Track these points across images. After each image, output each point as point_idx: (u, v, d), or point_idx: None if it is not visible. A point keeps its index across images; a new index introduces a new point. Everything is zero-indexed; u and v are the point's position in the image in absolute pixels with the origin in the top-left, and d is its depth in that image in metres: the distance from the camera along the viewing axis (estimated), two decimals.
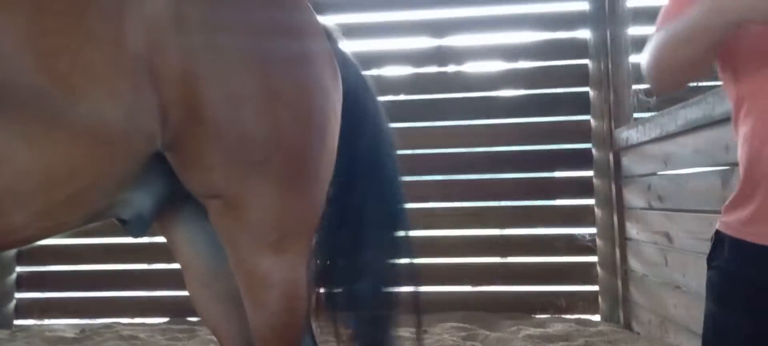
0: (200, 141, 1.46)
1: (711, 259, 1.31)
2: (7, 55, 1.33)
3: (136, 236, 1.67)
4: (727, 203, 1.29)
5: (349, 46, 1.92)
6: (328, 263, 1.82)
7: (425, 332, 3.67)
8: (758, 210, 1.18)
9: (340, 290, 1.81)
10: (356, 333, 1.80)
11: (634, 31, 4.05)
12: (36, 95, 1.34)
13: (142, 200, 1.59)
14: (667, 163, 3.17)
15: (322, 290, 1.81)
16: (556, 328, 3.77)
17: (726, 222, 1.27)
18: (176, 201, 1.68)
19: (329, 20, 1.90)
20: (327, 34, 1.76)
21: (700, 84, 2.95)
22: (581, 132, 4.28)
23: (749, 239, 1.19)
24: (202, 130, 1.45)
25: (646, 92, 3.95)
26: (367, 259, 1.79)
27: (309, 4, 1.72)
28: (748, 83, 1.21)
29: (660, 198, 3.25)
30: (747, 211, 1.20)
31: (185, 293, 1.81)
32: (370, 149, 1.84)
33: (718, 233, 1.29)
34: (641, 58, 1.32)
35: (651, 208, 3.40)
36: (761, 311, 1.17)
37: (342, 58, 1.80)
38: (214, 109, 1.45)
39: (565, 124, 4.39)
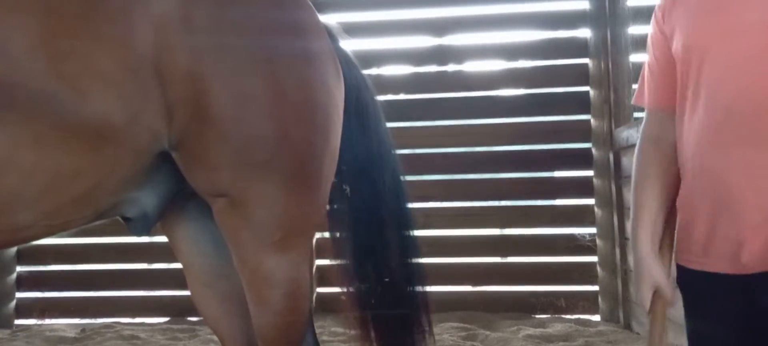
0: (206, 140, 1.47)
1: (679, 283, 1.42)
2: (18, 58, 1.35)
3: (138, 234, 1.68)
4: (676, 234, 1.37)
5: (349, 45, 1.92)
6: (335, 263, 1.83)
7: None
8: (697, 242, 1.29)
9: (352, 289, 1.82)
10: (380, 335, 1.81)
11: (634, 30, 4.04)
12: (45, 97, 1.36)
13: (147, 199, 1.59)
14: None
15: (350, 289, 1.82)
16: (556, 328, 3.77)
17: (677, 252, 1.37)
18: (179, 200, 1.69)
19: (329, 19, 1.91)
20: (328, 34, 1.77)
21: None
22: (581, 131, 4.28)
23: (699, 267, 1.30)
24: (209, 130, 1.46)
25: None
26: (372, 259, 1.79)
27: (311, 4, 1.73)
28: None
29: None
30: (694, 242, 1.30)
31: (186, 292, 1.81)
32: (375, 149, 1.84)
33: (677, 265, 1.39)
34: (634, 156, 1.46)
35: None
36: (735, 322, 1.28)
37: (344, 58, 1.81)
38: (220, 109, 1.46)
39: (565, 124, 4.40)
